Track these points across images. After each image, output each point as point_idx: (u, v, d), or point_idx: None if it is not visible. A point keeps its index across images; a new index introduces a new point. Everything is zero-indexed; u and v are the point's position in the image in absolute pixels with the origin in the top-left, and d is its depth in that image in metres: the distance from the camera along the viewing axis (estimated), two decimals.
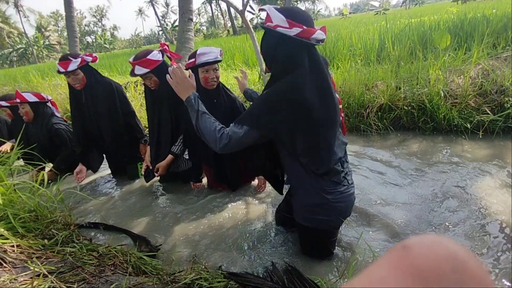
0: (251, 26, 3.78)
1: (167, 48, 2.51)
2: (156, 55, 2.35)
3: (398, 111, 3.51)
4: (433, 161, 2.72)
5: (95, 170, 2.98)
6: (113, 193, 2.86)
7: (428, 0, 49.38)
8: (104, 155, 3.09)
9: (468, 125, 3.14)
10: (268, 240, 1.93)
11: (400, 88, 3.62)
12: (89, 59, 2.62)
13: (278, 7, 1.36)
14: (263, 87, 4.00)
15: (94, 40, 59.11)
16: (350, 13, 28.87)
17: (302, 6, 33.69)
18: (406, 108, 3.48)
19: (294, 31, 1.29)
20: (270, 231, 2.01)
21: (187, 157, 2.56)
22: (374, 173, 2.63)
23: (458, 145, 2.99)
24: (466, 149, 2.88)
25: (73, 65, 2.51)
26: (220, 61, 2.16)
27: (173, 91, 2.36)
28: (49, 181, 2.41)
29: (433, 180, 2.39)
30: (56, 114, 3.23)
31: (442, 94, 3.34)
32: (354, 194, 1.59)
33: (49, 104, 3.22)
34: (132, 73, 2.35)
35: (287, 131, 1.40)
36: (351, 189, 1.57)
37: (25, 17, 50.19)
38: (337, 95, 1.53)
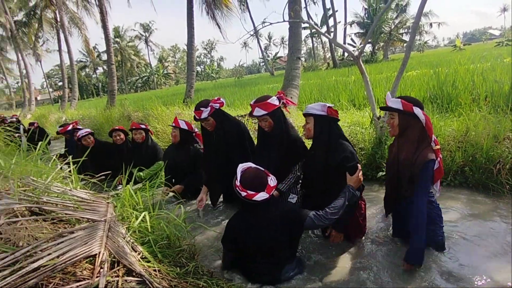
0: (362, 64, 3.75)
1: (283, 95, 2.70)
2: (274, 100, 2.56)
3: None
4: None
5: (214, 204, 3.37)
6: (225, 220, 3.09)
7: None
8: (223, 192, 3.46)
9: None
10: None
11: None
12: (217, 105, 3.00)
13: (245, 167, 2.12)
14: (374, 132, 3.90)
15: (202, 70, 66.68)
16: (464, 44, 26.18)
17: (406, 37, 32.03)
18: None
19: (243, 193, 2.02)
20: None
21: (293, 201, 2.66)
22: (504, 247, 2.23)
23: None
24: None
25: (204, 114, 2.94)
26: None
27: (285, 134, 2.56)
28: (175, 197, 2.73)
29: None
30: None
31: None
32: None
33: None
34: (251, 114, 2.60)
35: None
36: None
37: (151, 50, 60.15)
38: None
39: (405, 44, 33.44)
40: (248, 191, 2.01)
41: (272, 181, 2.11)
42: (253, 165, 2.17)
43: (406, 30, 31.52)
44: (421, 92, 5.67)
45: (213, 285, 1.79)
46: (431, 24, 33.53)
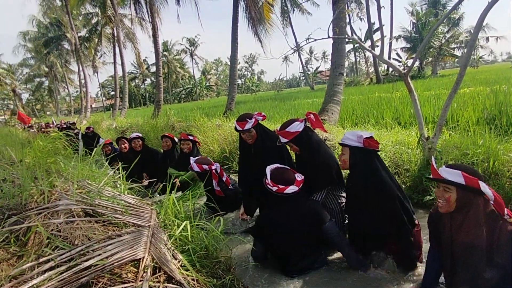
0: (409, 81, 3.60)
1: (312, 117, 2.67)
2: (295, 127, 2.55)
3: None
4: None
5: (252, 215, 3.42)
6: None
7: None
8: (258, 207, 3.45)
9: None
10: None
11: None
12: (260, 118, 3.03)
13: (273, 167, 2.39)
14: (421, 153, 3.70)
15: (243, 83, 68.19)
16: None
17: (458, 52, 30.34)
18: None
19: (274, 188, 2.23)
20: None
21: None
22: None
23: None
24: None
25: (248, 125, 2.95)
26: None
27: (315, 156, 2.56)
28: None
29: None
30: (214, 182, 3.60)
31: None
32: None
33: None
34: (279, 141, 2.67)
35: None
36: None
37: (195, 63, 62.86)
38: None
39: (456, 60, 31.71)
40: (279, 186, 2.22)
41: (299, 176, 2.31)
42: (280, 165, 2.41)
43: (458, 45, 29.88)
44: (476, 112, 5.29)
45: None
46: (487, 38, 31.52)
